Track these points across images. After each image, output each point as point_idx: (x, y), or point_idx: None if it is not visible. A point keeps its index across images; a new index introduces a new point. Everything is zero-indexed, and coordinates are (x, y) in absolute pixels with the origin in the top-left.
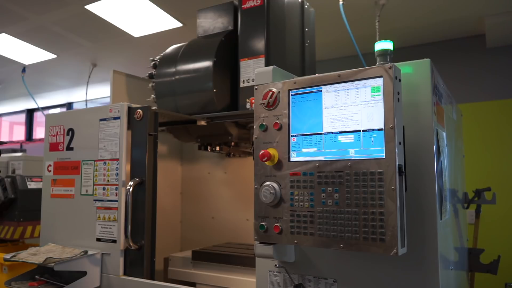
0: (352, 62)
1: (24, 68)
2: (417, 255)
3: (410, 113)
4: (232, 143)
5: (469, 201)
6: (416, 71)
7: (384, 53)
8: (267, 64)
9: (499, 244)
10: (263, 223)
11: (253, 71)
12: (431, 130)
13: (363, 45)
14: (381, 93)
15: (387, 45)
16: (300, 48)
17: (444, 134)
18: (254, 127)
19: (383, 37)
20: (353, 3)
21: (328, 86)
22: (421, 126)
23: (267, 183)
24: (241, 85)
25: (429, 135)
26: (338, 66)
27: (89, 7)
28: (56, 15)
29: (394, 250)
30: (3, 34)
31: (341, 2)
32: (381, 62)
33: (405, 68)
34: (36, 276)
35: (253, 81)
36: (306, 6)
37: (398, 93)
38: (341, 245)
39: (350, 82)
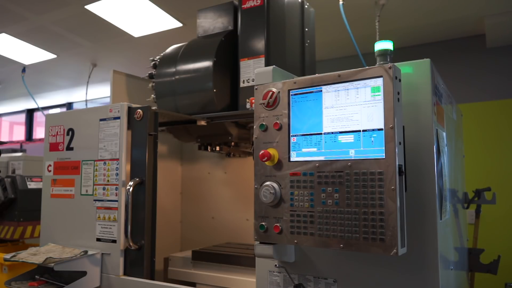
0: (352, 62)
1: (24, 68)
2: (417, 255)
3: (410, 113)
4: (232, 143)
5: (469, 201)
6: (416, 71)
7: (384, 53)
8: (267, 64)
9: (499, 244)
10: (263, 223)
11: (253, 71)
12: (431, 130)
13: (363, 45)
14: (381, 93)
15: (387, 45)
16: (300, 48)
17: (444, 134)
18: (254, 127)
19: (383, 37)
20: (353, 3)
21: (328, 86)
22: (421, 126)
23: (267, 183)
24: (241, 85)
25: (429, 135)
26: (338, 66)
27: (89, 7)
28: (56, 15)
29: (394, 250)
30: (3, 34)
31: (341, 2)
32: (381, 62)
33: (405, 68)
34: (36, 276)
35: (253, 81)
36: (306, 6)
37: (398, 93)
38: (341, 245)
39: (350, 82)
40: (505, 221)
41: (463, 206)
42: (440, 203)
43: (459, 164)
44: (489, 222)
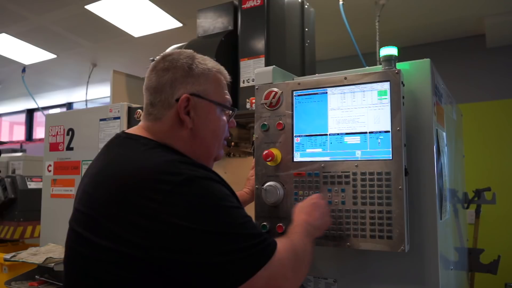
0: (352, 62)
1: (24, 68)
2: (417, 255)
3: (410, 113)
4: (232, 143)
5: (469, 201)
6: (416, 71)
7: (389, 58)
8: (267, 64)
9: (499, 244)
10: (265, 223)
11: (253, 71)
12: (431, 130)
13: (363, 45)
14: (388, 96)
15: (392, 51)
16: (300, 48)
17: (444, 134)
18: (255, 127)
19: (383, 37)
20: (353, 3)
21: (334, 88)
22: (421, 126)
23: (270, 183)
24: (241, 85)
25: (429, 135)
26: (338, 66)
27: (89, 7)
28: (56, 15)
29: (402, 247)
30: (3, 34)
31: (341, 2)
32: (387, 67)
33: (405, 67)
34: (36, 276)
35: (253, 81)
36: (306, 6)
37: (403, 97)
38: (348, 244)
39: (357, 85)
40: (505, 221)
41: (463, 206)
42: (440, 203)
43: (459, 164)
44: (489, 222)
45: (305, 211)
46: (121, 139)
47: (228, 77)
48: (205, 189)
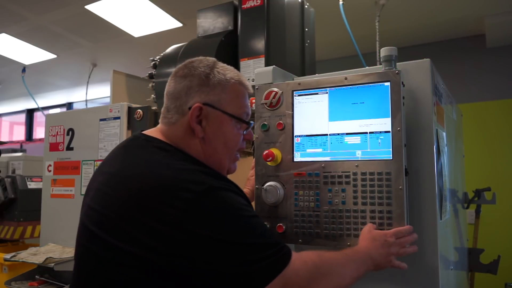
0: (352, 62)
1: (24, 68)
2: (417, 255)
3: (410, 113)
4: None
5: (469, 201)
6: (416, 71)
7: (389, 58)
8: (267, 64)
9: (499, 244)
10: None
11: (253, 71)
12: (431, 130)
13: (363, 45)
14: (388, 97)
15: (392, 51)
16: (300, 48)
17: (444, 134)
18: (255, 127)
19: (383, 37)
20: (353, 3)
21: (334, 88)
22: (421, 126)
23: (270, 183)
24: None
25: (429, 135)
26: (338, 66)
27: (89, 7)
28: (56, 15)
29: None
30: (3, 34)
31: (341, 2)
32: (387, 68)
33: (405, 67)
34: (36, 276)
35: (253, 81)
36: (306, 6)
37: (403, 98)
38: (348, 244)
39: (357, 86)
40: (505, 221)
41: (463, 206)
42: (440, 203)
43: (459, 164)
44: (489, 222)
45: (366, 237)
46: (140, 140)
47: (250, 88)
48: (226, 200)
